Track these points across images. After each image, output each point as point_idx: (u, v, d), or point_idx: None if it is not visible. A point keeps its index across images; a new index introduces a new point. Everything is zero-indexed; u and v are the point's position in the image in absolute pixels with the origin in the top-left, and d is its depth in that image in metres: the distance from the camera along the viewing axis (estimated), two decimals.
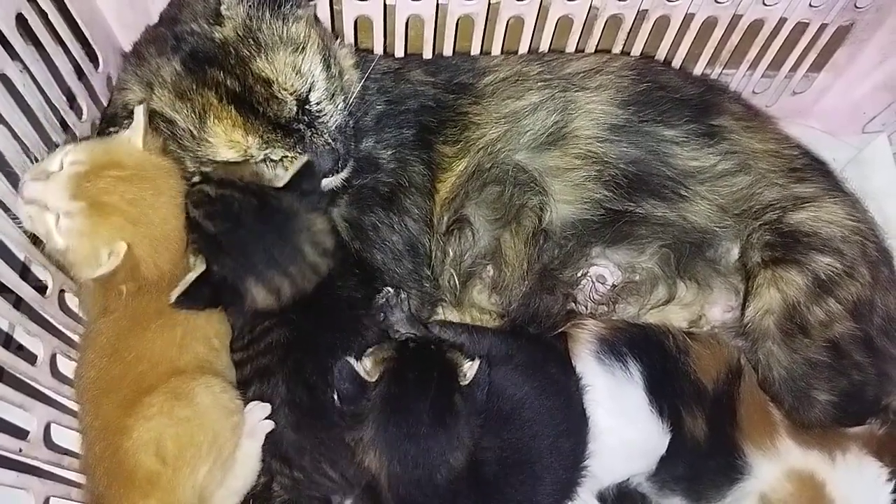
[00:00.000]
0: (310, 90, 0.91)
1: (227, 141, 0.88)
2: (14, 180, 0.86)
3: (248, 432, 0.86)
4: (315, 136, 0.90)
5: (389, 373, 0.82)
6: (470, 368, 0.83)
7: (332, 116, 0.93)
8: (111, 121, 0.94)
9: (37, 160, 0.88)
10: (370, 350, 0.86)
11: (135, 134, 0.87)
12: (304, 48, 0.91)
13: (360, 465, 0.82)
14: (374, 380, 0.82)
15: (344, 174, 0.94)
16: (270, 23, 0.90)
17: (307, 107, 0.90)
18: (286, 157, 0.90)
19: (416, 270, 1.01)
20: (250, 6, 0.90)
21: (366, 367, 0.83)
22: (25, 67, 0.88)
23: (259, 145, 0.89)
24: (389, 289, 0.96)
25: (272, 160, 0.91)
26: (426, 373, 0.82)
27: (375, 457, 0.80)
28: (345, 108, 0.95)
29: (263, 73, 0.87)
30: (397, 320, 0.94)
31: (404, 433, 0.79)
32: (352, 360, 0.82)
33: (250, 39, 0.88)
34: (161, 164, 0.89)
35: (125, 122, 0.90)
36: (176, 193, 0.88)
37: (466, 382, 0.82)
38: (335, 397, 0.83)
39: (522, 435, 0.87)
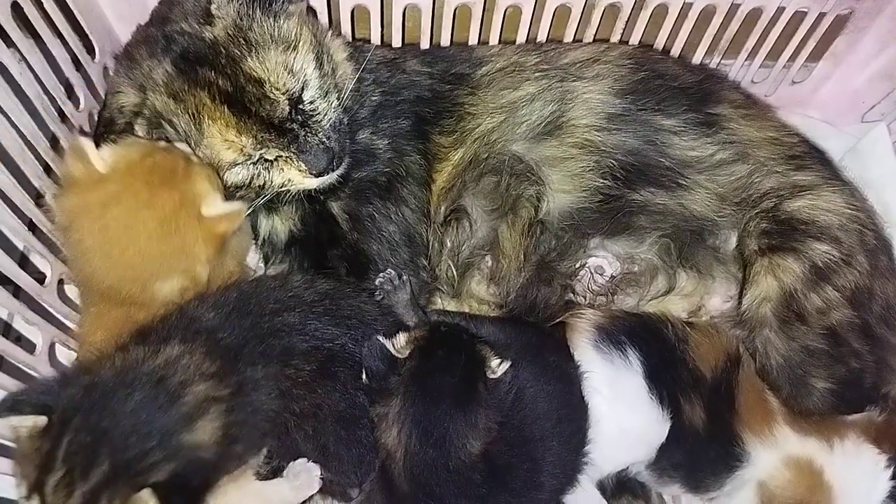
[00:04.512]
0: (302, 89, 0.90)
1: (222, 141, 0.88)
2: (12, 169, 0.86)
3: (297, 486, 0.86)
4: (309, 135, 0.90)
5: (420, 350, 0.83)
6: (500, 366, 0.84)
7: (325, 114, 0.92)
8: (109, 125, 0.93)
9: (34, 150, 0.88)
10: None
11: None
12: (295, 46, 0.90)
13: (378, 441, 0.82)
14: (404, 356, 0.83)
15: (340, 171, 0.94)
16: (261, 21, 0.89)
17: (300, 106, 0.90)
18: (280, 156, 0.90)
19: (413, 260, 1.01)
20: (241, 5, 0.89)
21: (399, 343, 0.84)
22: (23, 57, 0.88)
23: (253, 145, 0.88)
24: (391, 270, 0.96)
25: (266, 160, 0.91)
26: (455, 353, 0.83)
27: (397, 433, 0.80)
28: (339, 104, 0.94)
29: (255, 73, 0.87)
30: (398, 302, 0.94)
31: (428, 409, 0.80)
32: (381, 338, 0.83)
33: (241, 39, 0.87)
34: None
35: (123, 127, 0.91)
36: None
37: (494, 377, 0.84)
38: (363, 375, 0.84)
39: (524, 416, 0.88)
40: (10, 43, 0.86)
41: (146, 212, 0.85)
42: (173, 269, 0.87)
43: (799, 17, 1.17)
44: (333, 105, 0.93)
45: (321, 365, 0.85)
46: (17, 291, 0.86)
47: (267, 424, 0.82)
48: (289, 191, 0.94)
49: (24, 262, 0.90)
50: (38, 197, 0.91)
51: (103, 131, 0.94)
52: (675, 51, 1.20)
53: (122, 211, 0.85)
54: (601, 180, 0.99)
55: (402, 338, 0.85)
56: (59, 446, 0.70)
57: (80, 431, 0.71)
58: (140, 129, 0.91)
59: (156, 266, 0.86)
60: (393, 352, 0.83)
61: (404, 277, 0.96)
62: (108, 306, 0.88)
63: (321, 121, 0.91)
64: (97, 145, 0.89)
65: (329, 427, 0.86)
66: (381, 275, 0.95)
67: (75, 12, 0.97)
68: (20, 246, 0.89)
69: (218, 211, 0.87)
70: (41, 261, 0.92)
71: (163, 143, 0.91)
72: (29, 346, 0.87)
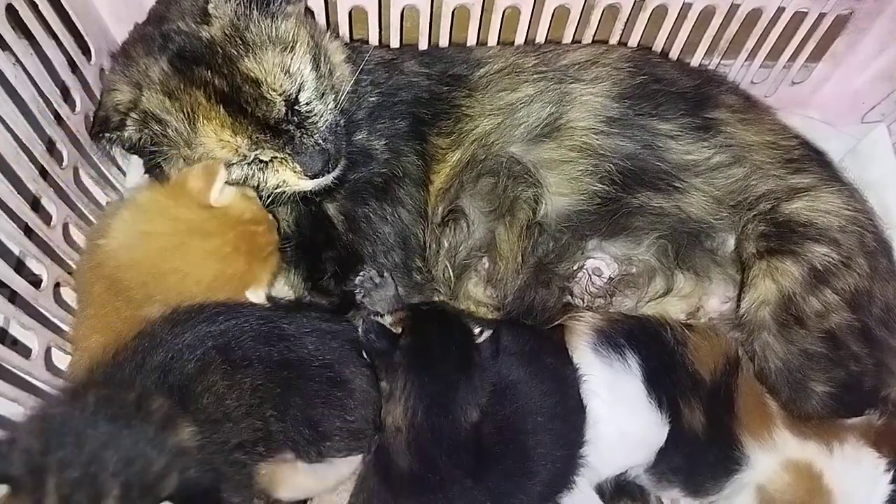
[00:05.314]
0: (299, 90, 0.89)
1: (217, 140, 0.88)
2: (8, 173, 0.86)
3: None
4: (305, 136, 0.90)
5: (411, 328, 0.87)
6: (482, 333, 0.88)
7: (322, 116, 0.92)
8: (104, 123, 0.92)
9: (30, 153, 0.88)
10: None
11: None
12: (293, 47, 0.90)
13: (383, 421, 0.84)
14: (398, 332, 0.87)
15: (335, 173, 0.94)
16: (258, 21, 0.89)
17: (296, 107, 0.89)
18: (276, 157, 0.90)
19: (405, 263, 1.01)
20: (238, 5, 0.89)
21: (387, 323, 0.88)
22: (18, 60, 0.88)
23: (248, 146, 0.88)
24: (372, 269, 0.96)
25: (261, 161, 0.90)
26: (447, 326, 0.88)
27: (402, 407, 0.82)
28: (335, 106, 0.94)
29: (252, 74, 0.86)
30: (380, 300, 0.94)
31: (433, 381, 0.83)
32: (375, 317, 0.86)
33: (238, 39, 0.87)
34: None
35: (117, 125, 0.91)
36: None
37: (481, 340, 0.88)
38: (363, 355, 0.86)
39: (517, 408, 0.89)
40: (4, 45, 0.85)
41: (215, 264, 0.88)
42: (172, 302, 0.87)
43: (799, 17, 1.16)
44: (330, 107, 0.93)
45: (222, 365, 0.80)
46: (12, 296, 0.86)
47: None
48: (284, 192, 0.94)
49: (19, 266, 0.90)
50: (33, 200, 0.90)
51: (98, 130, 0.93)
52: (675, 51, 1.19)
53: (201, 247, 0.88)
54: (599, 184, 0.99)
55: (388, 319, 0.88)
56: (45, 496, 0.63)
57: (65, 469, 0.64)
58: (130, 126, 0.91)
59: (170, 295, 0.87)
60: (390, 327, 0.86)
61: (385, 275, 0.96)
62: (108, 297, 0.89)
63: (317, 122, 0.91)
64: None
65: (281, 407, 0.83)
66: (360, 274, 0.95)
67: (71, 14, 0.96)
68: (16, 250, 0.89)
69: (256, 300, 0.90)
70: (37, 265, 0.91)
71: (271, 218, 0.94)
72: (25, 351, 0.87)
